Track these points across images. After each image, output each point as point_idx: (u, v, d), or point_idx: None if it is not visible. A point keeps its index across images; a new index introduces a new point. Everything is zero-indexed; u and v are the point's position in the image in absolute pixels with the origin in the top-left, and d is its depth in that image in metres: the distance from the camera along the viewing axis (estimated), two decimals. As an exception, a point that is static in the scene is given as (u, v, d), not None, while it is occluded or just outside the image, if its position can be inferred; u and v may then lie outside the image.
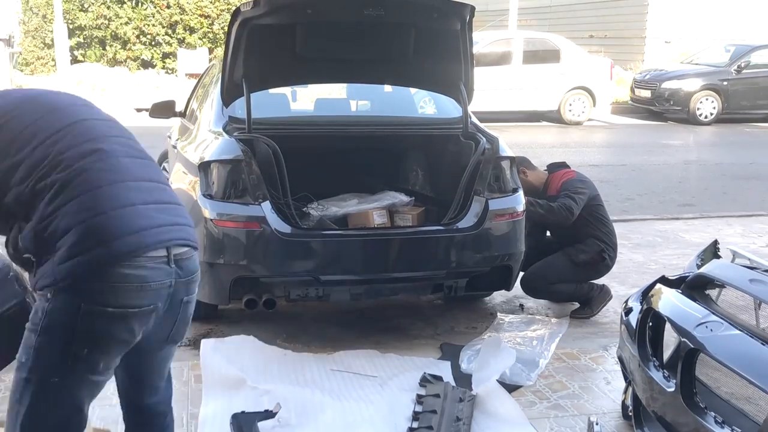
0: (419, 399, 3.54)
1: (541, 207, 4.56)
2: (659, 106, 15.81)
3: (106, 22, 18.78)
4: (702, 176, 10.05)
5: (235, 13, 4.07)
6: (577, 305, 4.82)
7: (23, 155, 2.07)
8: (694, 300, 2.91)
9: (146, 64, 19.09)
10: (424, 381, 3.70)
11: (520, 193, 4.35)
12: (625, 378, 3.37)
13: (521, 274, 4.66)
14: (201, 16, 19.18)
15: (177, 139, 5.33)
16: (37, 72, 18.46)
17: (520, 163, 4.69)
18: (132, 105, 15.13)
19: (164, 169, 6.89)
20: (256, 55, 4.27)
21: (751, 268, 3.01)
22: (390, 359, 4.01)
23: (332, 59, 4.52)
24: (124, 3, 18.93)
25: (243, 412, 3.26)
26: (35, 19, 18.70)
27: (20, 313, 2.24)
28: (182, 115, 6.00)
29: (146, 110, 6.37)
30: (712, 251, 3.41)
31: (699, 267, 3.23)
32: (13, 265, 2.29)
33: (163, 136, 7.25)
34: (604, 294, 4.79)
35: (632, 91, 16.64)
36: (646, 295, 3.20)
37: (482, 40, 14.56)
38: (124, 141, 2.27)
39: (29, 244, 2.06)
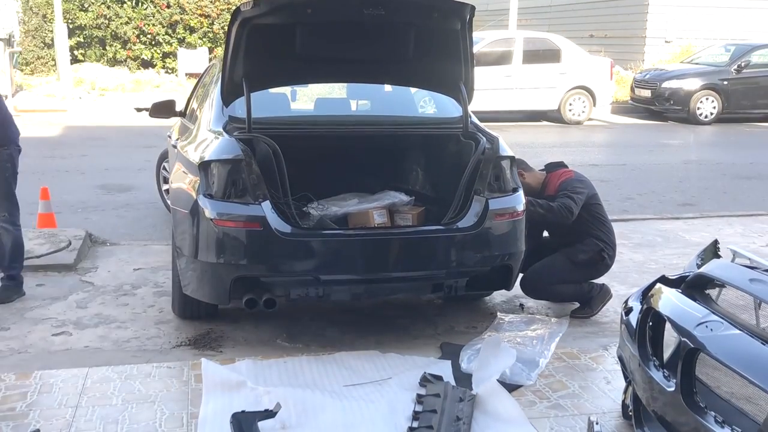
0: (419, 398, 3.54)
1: (541, 207, 4.56)
2: (659, 105, 15.81)
3: (106, 21, 18.78)
4: (702, 176, 10.05)
5: (236, 13, 4.07)
6: (577, 305, 4.83)
7: None
8: (694, 300, 2.91)
9: (146, 64, 19.09)
10: (425, 380, 3.70)
11: (520, 192, 4.35)
12: (625, 378, 3.37)
13: (521, 274, 4.66)
14: (201, 15, 19.18)
15: (177, 139, 5.33)
16: (37, 72, 18.46)
17: (517, 165, 4.69)
18: (132, 105, 15.13)
19: (164, 168, 6.91)
20: (256, 55, 4.27)
21: (751, 268, 3.01)
22: (390, 359, 4.02)
23: (332, 59, 4.52)
24: (124, 3, 18.92)
25: (243, 412, 3.26)
26: (35, 18, 18.69)
27: None
28: (182, 114, 6.01)
29: (146, 110, 6.36)
30: (712, 251, 3.41)
31: (699, 266, 3.23)
32: None
33: (163, 135, 7.26)
34: (604, 293, 4.80)
35: (632, 90, 16.64)
36: (646, 294, 3.20)
37: (482, 40, 14.56)
38: None
39: None
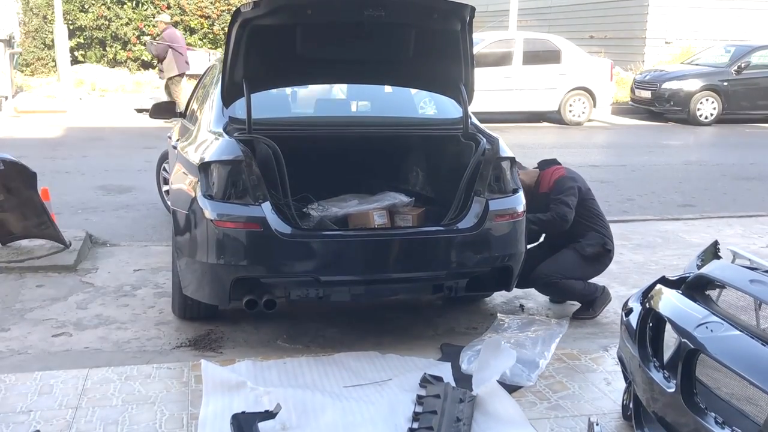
0: (419, 399, 3.54)
1: (535, 224, 4.59)
2: (659, 106, 15.82)
3: (107, 22, 18.78)
4: (702, 177, 10.04)
5: (236, 14, 4.07)
6: (577, 306, 4.83)
7: None
8: (695, 300, 2.91)
9: (146, 65, 19.08)
10: (425, 382, 3.70)
11: (521, 193, 4.35)
12: (626, 378, 3.37)
13: (531, 272, 4.67)
14: (201, 16, 19.19)
15: (177, 140, 5.33)
16: (37, 73, 18.45)
17: None
18: (132, 105, 15.15)
19: (164, 169, 6.91)
20: (257, 56, 4.27)
21: (752, 269, 3.01)
22: (390, 360, 4.02)
23: (332, 60, 4.52)
24: (125, 4, 18.93)
25: (243, 412, 3.26)
26: (35, 19, 18.69)
27: None
28: (182, 115, 6.01)
29: (146, 111, 6.37)
30: (713, 252, 3.41)
31: (699, 267, 3.22)
32: None
33: (163, 136, 7.26)
34: (605, 296, 4.81)
35: (632, 91, 16.64)
36: (646, 295, 3.20)
37: (482, 41, 14.57)
38: None
39: None
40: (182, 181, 4.35)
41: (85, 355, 4.16)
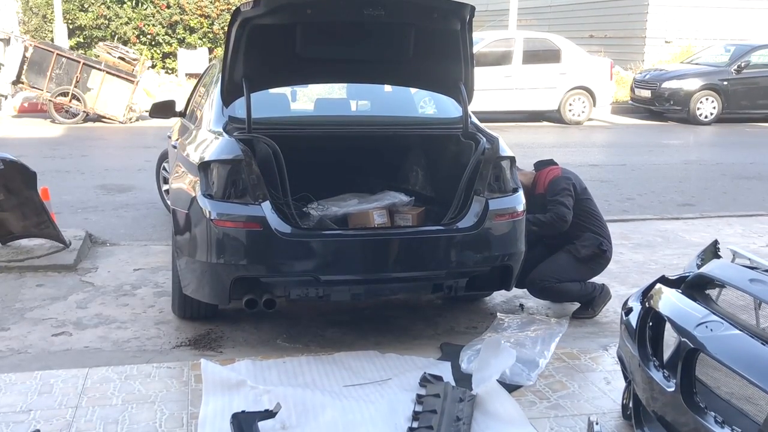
0: (419, 399, 3.54)
1: (535, 225, 4.58)
2: (659, 106, 15.82)
3: (106, 22, 18.78)
4: (702, 176, 10.05)
5: (235, 13, 4.07)
6: (577, 305, 4.83)
7: None
8: (694, 300, 2.91)
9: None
10: (425, 381, 3.70)
11: (520, 193, 4.35)
12: (625, 378, 3.37)
13: (526, 275, 4.66)
14: (201, 16, 19.18)
15: (177, 139, 5.33)
16: (37, 72, 18.44)
17: None
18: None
19: (164, 168, 6.91)
20: (256, 55, 4.27)
21: (751, 268, 3.01)
22: (390, 359, 4.02)
23: (332, 59, 4.52)
24: (124, 3, 18.93)
25: (243, 412, 3.26)
26: (35, 19, 18.70)
27: None
28: (182, 115, 6.01)
29: (146, 110, 6.37)
30: (712, 251, 3.41)
31: (699, 267, 3.22)
32: None
33: (163, 136, 7.26)
34: (605, 294, 4.80)
35: (632, 91, 16.64)
36: (646, 294, 3.20)
37: (482, 40, 14.57)
38: None
39: None
40: (182, 180, 4.35)
41: (85, 354, 4.16)
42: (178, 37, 19.17)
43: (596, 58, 16.01)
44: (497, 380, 3.66)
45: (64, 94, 13.23)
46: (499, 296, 5.07)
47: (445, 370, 3.91)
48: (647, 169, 10.44)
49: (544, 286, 4.71)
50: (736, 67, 15.58)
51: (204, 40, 19.25)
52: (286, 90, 5.58)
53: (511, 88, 14.49)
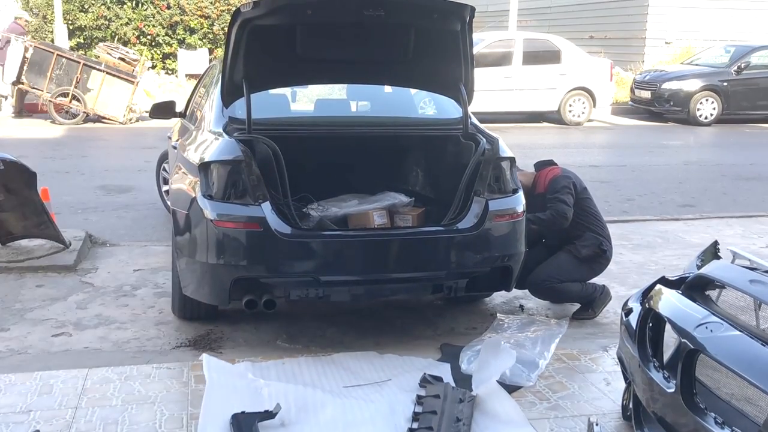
0: (419, 400, 3.54)
1: (535, 223, 4.58)
2: (659, 106, 15.82)
3: (107, 22, 18.77)
4: (702, 177, 10.05)
5: (236, 14, 4.07)
6: (577, 306, 4.83)
7: None
8: (694, 301, 2.91)
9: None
10: (424, 382, 3.70)
11: (520, 193, 4.35)
12: (625, 379, 3.37)
13: (527, 276, 4.66)
14: (201, 16, 19.17)
15: (177, 140, 5.33)
16: (37, 72, 18.44)
17: None
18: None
19: (164, 169, 6.91)
20: (257, 56, 4.27)
21: (751, 269, 3.01)
22: (390, 360, 4.02)
23: (332, 60, 4.52)
24: (125, 3, 18.91)
25: (243, 412, 3.26)
26: (35, 19, 18.68)
27: None
28: (182, 115, 6.01)
29: (146, 111, 6.38)
30: (712, 252, 3.41)
31: (699, 268, 3.22)
32: None
33: (163, 136, 7.26)
34: (605, 295, 4.80)
35: (632, 91, 16.64)
36: (646, 295, 3.20)
37: (482, 41, 14.57)
38: None
39: None
40: (182, 181, 4.35)
41: (85, 355, 4.16)
42: (178, 37, 19.16)
43: (596, 58, 16.01)
44: (497, 381, 3.66)
45: (65, 95, 13.24)
46: (499, 297, 5.07)
47: (445, 371, 3.91)
48: (647, 169, 10.44)
49: (545, 287, 4.71)
50: (736, 68, 15.58)
51: (204, 40, 19.24)
52: (286, 91, 5.58)
53: (511, 89, 14.49)
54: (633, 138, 14.08)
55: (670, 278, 3.26)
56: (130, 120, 13.72)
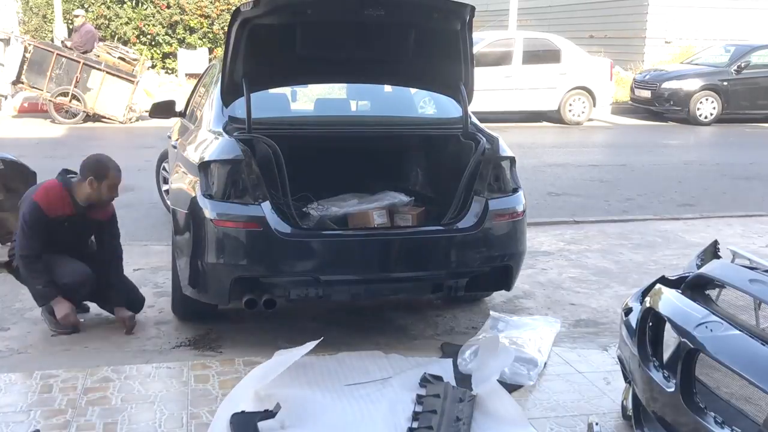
0: (419, 399, 3.54)
1: None
2: (659, 106, 15.81)
3: (106, 22, 18.79)
4: (702, 176, 10.04)
5: (235, 14, 4.07)
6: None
7: None
8: (694, 300, 2.91)
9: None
10: (425, 381, 3.70)
11: (521, 193, 4.35)
12: (625, 378, 3.37)
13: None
14: (201, 16, 19.18)
15: (177, 139, 5.33)
16: (37, 72, 18.45)
17: None
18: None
19: (164, 169, 6.91)
20: (256, 55, 4.27)
21: (751, 269, 3.00)
22: (390, 359, 4.01)
23: (332, 59, 4.52)
24: (124, 3, 18.93)
25: (243, 412, 3.26)
26: (35, 18, 18.72)
27: None
28: (182, 115, 6.01)
29: (146, 110, 6.38)
30: (712, 251, 3.40)
31: (699, 267, 3.22)
32: None
33: (163, 136, 7.26)
34: None
35: (632, 91, 16.64)
36: (646, 295, 3.20)
37: (482, 41, 14.56)
38: None
39: None
40: (182, 180, 4.35)
41: (85, 354, 4.16)
42: (178, 37, 19.17)
43: (596, 58, 16.01)
44: (497, 380, 3.66)
45: (64, 94, 13.23)
46: (499, 296, 5.07)
47: (446, 370, 3.91)
48: (647, 169, 10.43)
49: None
50: (736, 67, 15.57)
51: (204, 40, 19.25)
52: (286, 90, 5.59)
53: (511, 89, 14.49)
54: (633, 137, 14.07)
55: (669, 278, 3.26)
56: (130, 119, 13.72)
